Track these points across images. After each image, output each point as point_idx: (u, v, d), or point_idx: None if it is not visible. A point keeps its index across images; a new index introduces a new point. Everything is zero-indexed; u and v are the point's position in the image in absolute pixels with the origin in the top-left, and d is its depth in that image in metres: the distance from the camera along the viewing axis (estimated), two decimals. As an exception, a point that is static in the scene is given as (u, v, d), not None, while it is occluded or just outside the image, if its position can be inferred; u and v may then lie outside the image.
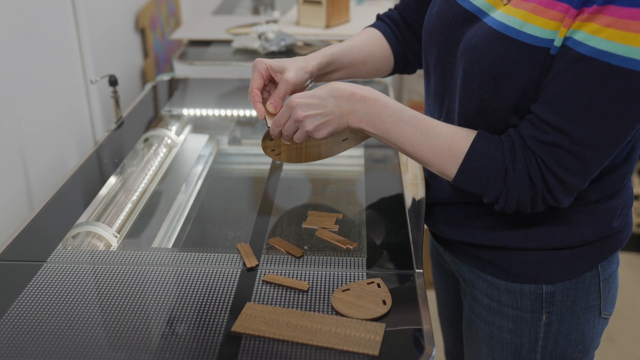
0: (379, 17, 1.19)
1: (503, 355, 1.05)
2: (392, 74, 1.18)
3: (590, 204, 0.95)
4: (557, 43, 0.81)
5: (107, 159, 1.33)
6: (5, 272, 0.94)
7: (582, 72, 0.80)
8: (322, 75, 1.07)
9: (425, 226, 1.10)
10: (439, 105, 1.02)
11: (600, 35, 0.78)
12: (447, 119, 1.00)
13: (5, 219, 1.28)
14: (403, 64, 1.16)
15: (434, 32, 1.00)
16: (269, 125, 0.97)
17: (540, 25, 0.82)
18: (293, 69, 1.00)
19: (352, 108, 0.91)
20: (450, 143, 0.89)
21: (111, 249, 1.05)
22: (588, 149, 0.83)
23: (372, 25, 1.17)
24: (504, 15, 0.87)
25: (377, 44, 1.13)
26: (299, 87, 1.01)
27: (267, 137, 1.02)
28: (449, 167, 0.90)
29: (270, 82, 1.03)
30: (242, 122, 1.57)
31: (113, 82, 1.49)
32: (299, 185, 1.26)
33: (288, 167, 1.31)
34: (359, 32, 1.16)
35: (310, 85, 1.05)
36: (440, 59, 0.99)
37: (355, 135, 1.05)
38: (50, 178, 1.48)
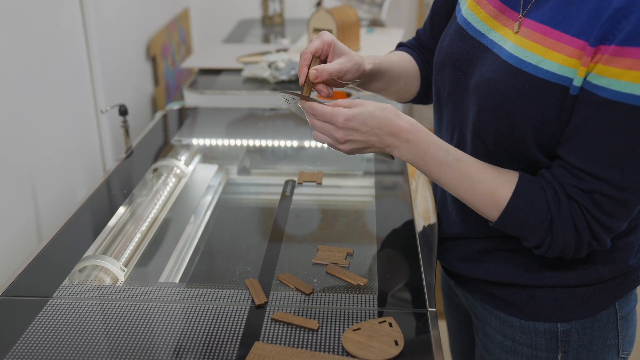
0: (402, 44, 1.18)
1: None
2: (413, 100, 1.17)
3: None
4: (577, 83, 0.80)
5: (116, 189, 1.32)
6: (11, 308, 0.93)
7: (610, 118, 0.79)
8: (364, 83, 1.06)
9: (437, 260, 1.08)
10: (450, 139, 1.01)
11: (623, 78, 0.76)
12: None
13: (15, 249, 1.27)
14: (426, 90, 1.15)
15: (446, 65, 0.99)
16: (304, 92, 0.92)
17: (558, 62, 0.81)
18: (352, 60, 0.97)
19: (394, 144, 0.88)
20: (493, 189, 0.87)
21: (118, 283, 1.03)
22: (628, 192, 0.82)
23: (399, 50, 1.17)
24: (517, 48, 0.85)
25: (409, 65, 1.12)
26: (345, 79, 0.98)
27: (291, 94, 0.94)
28: (491, 212, 0.88)
29: (320, 62, 0.98)
30: (252, 152, 1.56)
31: (123, 111, 1.49)
32: (309, 216, 1.24)
33: (298, 198, 1.29)
34: (392, 52, 1.15)
35: (354, 96, 1.01)
36: (452, 91, 0.98)
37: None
38: (60, 208, 1.48)
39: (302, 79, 0.94)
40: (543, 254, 0.89)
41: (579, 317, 0.96)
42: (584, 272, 0.94)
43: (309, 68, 0.94)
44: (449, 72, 0.98)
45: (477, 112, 0.90)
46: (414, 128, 0.88)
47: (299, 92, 0.92)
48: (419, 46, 1.16)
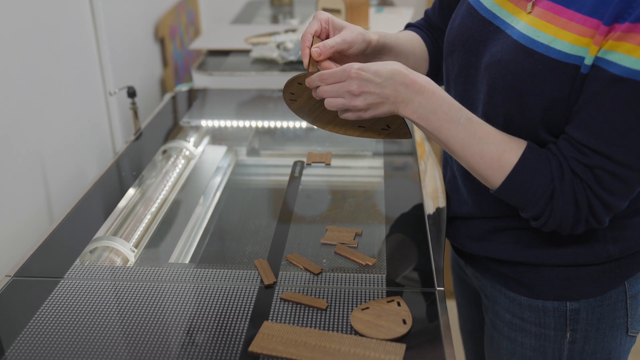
0: (411, 24, 1.17)
1: None
2: None
3: (617, 220, 0.93)
4: (588, 61, 0.79)
5: (126, 171, 1.33)
6: (23, 288, 0.94)
7: (618, 94, 0.78)
8: (371, 56, 1.02)
9: (446, 239, 1.08)
10: None
11: (635, 55, 0.75)
12: None
13: (27, 231, 1.28)
14: (435, 71, 1.14)
15: (456, 45, 0.98)
16: (309, 70, 0.90)
17: (569, 41, 0.80)
18: (354, 31, 0.95)
19: (408, 97, 0.85)
20: (501, 153, 0.86)
21: (128, 264, 1.04)
22: (630, 170, 0.81)
23: (408, 30, 1.15)
24: (529, 28, 0.84)
25: (418, 44, 1.11)
26: (351, 51, 0.96)
27: (296, 80, 0.93)
28: (495, 176, 0.87)
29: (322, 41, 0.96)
30: (261, 133, 1.56)
31: (132, 93, 1.49)
32: (318, 196, 1.24)
33: (306, 179, 1.30)
34: (399, 31, 1.13)
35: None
36: (463, 71, 0.97)
37: (393, 130, 0.97)
38: (71, 190, 1.48)
39: (305, 61, 0.92)
40: (540, 227, 0.88)
41: (588, 296, 0.96)
42: (594, 251, 0.94)
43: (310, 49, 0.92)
44: (459, 52, 0.97)
45: (487, 93, 0.90)
46: (427, 81, 0.86)
47: (304, 72, 0.91)
48: (427, 27, 1.15)
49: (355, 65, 0.85)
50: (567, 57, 0.81)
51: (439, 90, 0.86)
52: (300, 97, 0.96)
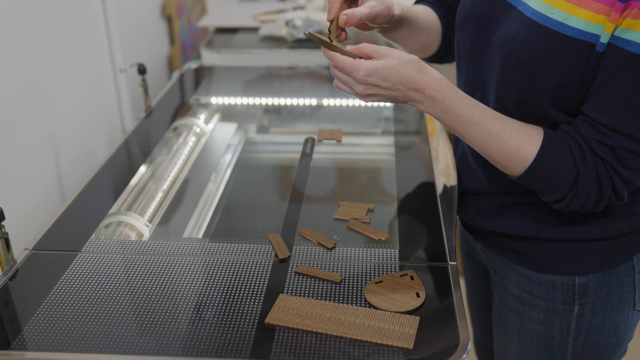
0: (420, 0, 1.17)
1: (533, 347, 1.04)
2: (431, 58, 1.15)
3: (628, 196, 0.93)
4: (604, 39, 0.79)
5: (137, 148, 1.34)
6: (42, 261, 0.95)
7: (637, 72, 0.78)
8: (391, 27, 1.02)
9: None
10: (471, 93, 1.00)
11: None
12: None
13: (39, 209, 1.30)
14: (446, 47, 1.13)
15: (468, 21, 0.98)
16: (331, 34, 0.90)
17: (584, 19, 0.80)
18: (383, 4, 0.94)
19: (418, 99, 0.86)
20: (519, 145, 0.86)
21: (143, 238, 1.05)
22: None
23: (421, 3, 1.14)
24: (543, 5, 0.84)
25: (431, 17, 1.10)
26: (375, 22, 0.96)
27: (314, 39, 0.90)
28: (516, 168, 0.88)
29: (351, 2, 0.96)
30: (270, 110, 1.57)
31: (142, 70, 1.49)
32: (329, 173, 1.25)
33: (318, 156, 1.30)
34: (413, 4, 1.13)
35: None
36: (475, 49, 0.97)
37: None
38: (81, 167, 1.50)
39: (331, 15, 0.90)
40: (563, 208, 0.89)
41: (597, 271, 0.97)
42: (604, 226, 0.95)
43: (339, 9, 0.91)
44: (471, 29, 0.97)
45: (500, 70, 0.90)
46: (438, 84, 0.85)
47: (324, 38, 0.89)
48: (439, 3, 1.14)
49: (363, 70, 0.83)
50: (582, 34, 0.81)
51: (449, 94, 0.85)
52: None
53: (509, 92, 0.90)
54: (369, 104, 1.48)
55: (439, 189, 1.12)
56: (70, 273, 0.91)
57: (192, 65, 1.81)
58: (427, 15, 1.10)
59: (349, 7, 0.94)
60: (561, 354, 1.02)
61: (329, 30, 0.91)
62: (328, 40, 0.88)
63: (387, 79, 0.84)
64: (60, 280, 0.90)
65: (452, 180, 1.10)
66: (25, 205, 1.25)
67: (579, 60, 0.82)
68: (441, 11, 1.13)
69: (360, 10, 0.92)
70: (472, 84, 1.00)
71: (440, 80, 0.86)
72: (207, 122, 1.47)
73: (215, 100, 1.59)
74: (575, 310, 0.99)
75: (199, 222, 1.14)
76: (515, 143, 0.86)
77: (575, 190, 0.86)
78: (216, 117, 1.52)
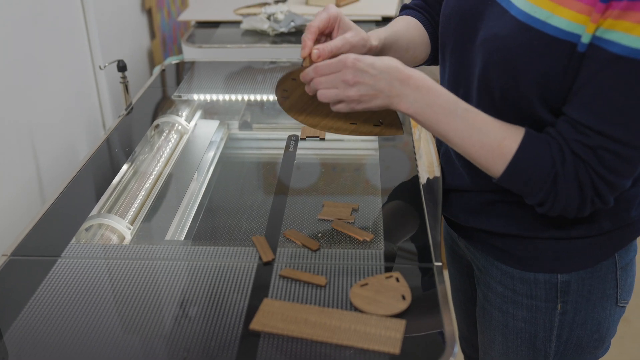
0: (407, 6, 1.15)
1: (517, 344, 1.05)
2: (426, 63, 1.15)
3: None
4: (585, 40, 0.79)
5: (118, 147, 1.32)
6: (21, 267, 0.94)
7: (618, 73, 0.77)
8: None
9: (441, 212, 1.09)
10: (454, 93, 1.00)
11: (634, 33, 0.75)
12: None
13: (18, 208, 1.27)
14: (436, 52, 1.12)
15: (452, 18, 0.97)
16: (303, 65, 0.92)
17: (567, 18, 0.80)
18: (357, 36, 0.95)
19: (403, 92, 0.86)
20: (500, 141, 0.86)
21: (125, 242, 1.04)
22: (633, 149, 0.81)
23: (404, 14, 1.14)
24: (526, 3, 0.84)
25: (416, 31, 1.09)
26: (350, 53, 0.95)
27: (290, 76, 0.95)
28: (496, 165, 0.87)
29: (325, 36, 0.97)
30: (253, 106, 1.55)
31: (122, 67, 1.47)
32: (313, 171, 1.24)
33: (301, 152, 1.29)
34: (396, 19, 1.12)
35: None
36: (457, 46, 0.97)
37: (386, 125, 0.99)
38: (61, 165, 1.47)
39: (305, 52, 0.92)
40: (546, 212, 0.88)
41: (579, 268, 0.97)
42: (586, 225, 0.95)
43: (314, 42, 0.93)
44: (455, 25, 0.96)
45: (482, 67, 0.89)
46: (422, 76, 0.87)
47: (298, 67, 0.92)
48: (424, 6, 1.13)
49: (352, 56, 0.86)
50: (563, 34, 0.80)
51: (434, 85, 0.87)
52: (292, 94, 0.97)
53: (492, 89, 0.89)
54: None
55: (424, 186, 1.12)
56: (50, 280, 0.90)
57: (174, 60, 1.79)
58: (411, 30, 1.09)
59: (325, 41, 0.95)
60: (545, 351, 1.02)
61: (302, 66, 0.92)
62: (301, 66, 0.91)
63: (374, 65, 0.86)
64: (40, 288, 0.88)
65: (437, 178, 1.10)
66: (3, 205, 1.23)
67: (561, 59, 0.81)
68: (427, 16, 1.11)
69: (333, 44, 0.93)
70: (455, 82, 0.99)
71: (423, 74, 0.88)
72: (189, 119, 1.45)
73: (197, 96, 1.57)
74: (558, 307, 0.99)
75: (181, 223, 1.13)
76: (496, 138, 0.86)
77: (554, 192, 0.86)
78: (198, 114, 1.50)
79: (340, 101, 0.89)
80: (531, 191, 0.87)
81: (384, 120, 0.98)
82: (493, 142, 0.86)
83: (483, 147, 0.87)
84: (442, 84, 1.06)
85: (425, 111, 0.87)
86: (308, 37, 0.93)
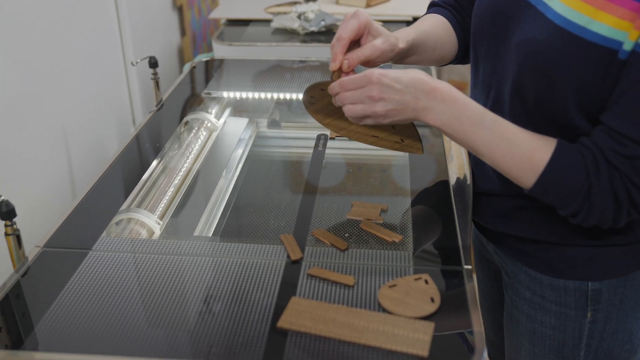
0: (435, 3, 1.14)
1: (545, 352, 1.03)
2: (452, 62, 1.14)
3: None
4: (628, 47, 0.77)
5: (148, 143, 1.33)
6: (53, 259, 0.95)
7: None
8: (398, 60, 1.03)
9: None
10: (485, 96, 0.99)
11: None
12: (494, 109, 0.96)
13: (50, 203, 1.29)
14: (464, 51, 1.12)
15: (485, 20, 0.96)
16: (334, 78, 0.92)
17: (608, 24, 0.78)
18: (386, 42, 0.95)
19: (430, 105, 0.86)
20: (531, 152, 0.84)
21: (154, 236, 1.04)
22: None
23: (432, 12, 1.13)
24: (565, 8, 0.82)
25: (444, 30, 1.08)
26: (379, 59, 0.97)
27: (318, 87, 0.96)
28: (527, 177, 0.85)
29: (354, 42, 0.97)
30: (281, 104, 1.55)
31: (153, 63, 1.48)
32: (341, 170, 1.24)
33: (330, 152, 1.29)
34: (424, 17, 1.11)
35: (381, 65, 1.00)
36: (491, 48, 0.95)
37: (406, 144, 1.00)
38: (92, 161, 1.49)
39: (334, 66, 0.93)
40: (580, 223, 0.86)
41: (611, 277, 0.95)
42: (619, 232, 0.93)
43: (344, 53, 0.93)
44: (489, 27, 0.95)
45: (517, 72, 0.88)
46: (449, 87, 0.86)
47: (327, 80, 0.93)
48: (454, 4, 1.12)
49: (377, 72, 0.86)
50: (604, 40, 0.78)
51: (461, 97, 0.86)
52: (319, 102, 0.99)
53: (527, 94, 0.88)
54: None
55: (454, 189, 1.11)
56: (82, 272, 0.91)
57: (204, 57, 1.80)
58: (439, 29, 1.08)
59: (352, 49, 0.95)
60: (574, 360, 1.01)
61: (331, 78, 0.93)
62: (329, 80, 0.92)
63: (399, 80, 0.86)
64: (72, 280, 0.89)
65: (467, 181, 1.09)
66: (36, 199, 1.25)
67: (599, 66, 0.79)
68: (455, 15, 1.10)
69: (362, 52, 0.93)
70: (487, 84, 0.98)
71: (450, 85, 0.87)
72: (218, 116, 1.46)
73: (226, 93, 1.58)
74: (588, 316, 0.97)
75: (209, 220, 1.13)
76: (527, 149, 0.84)
77: (589, 204, 0.83)
78: (227, 111, 1.50)
79: (366, 116, 0.89)
80: (564, 203, 0.85)
81: (405, 140, 0.99)
82: (523, 153, 0.84)
83: (513, 158, 0.85)
84: (473, 86, 1.05)
85: (453, 123, 0.86)
86: (339, 50, 0.93)
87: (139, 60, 1.50)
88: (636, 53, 0.76)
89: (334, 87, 0.91)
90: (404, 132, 0.99)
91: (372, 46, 0.93)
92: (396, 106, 0.87)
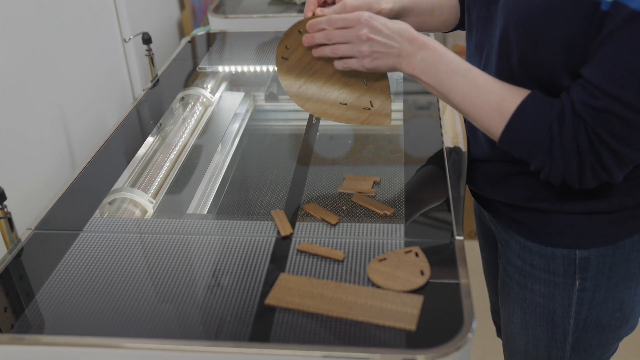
0: None
1: (535, 319, 1.02)
2: (458, 27, 1.12)
3: (631, 171, 0.89)
4: None
5: (143, 119, 1.32)
6: (44, 241, 0.95)
7: (637, 31, 0.73)
8: None
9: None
10: (478, 61, 0.97)
11: None
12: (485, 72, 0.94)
13: (51, 184, 1.29)
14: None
15: None
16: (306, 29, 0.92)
17: None
18: (359, 0, 0.94)
19: (411, 51, 0.88)
20: (500, 101, 0.84)
21: (147, 215, 1.04)
22: None
23: None
24: None
25: None
26: None
27: (296, 28, 0.95)
28: (496, 126, 0.85)
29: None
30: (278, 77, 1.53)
31: (147, 40, 1.46)
32: (336, 143, 1.22)
33: (325, 124, 1.27)
34: None
35: None
36: (482, 12, 0.93)
37: (375, 111, 0.98)
38: (92, 139, 1.48)
39: (308, 11, 0.94)
40: (547, 179, 0.85)
41: (599, 245, 0.94)
42: (606, 200, 0.90)
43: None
44: None
45: (502, 29, 0.86)
46: (429, 38, 0.90)
47: (307, 18, 0.91)
48: None
49: (366, 14, 0.88)
50: None
51: (440, 47, 0.89)
52: (293, 54, 0.96)
53: (509, 54, 0.86)
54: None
55: (448, 159, 1.09)
56: (72, 254, 0.91)
57: (200, 31, 1.78)
58: None
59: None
60: (564, 327, 1.00)
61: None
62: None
63: (387, 25, 0.88)
64: (61, 262, 0.89)
65: (462, 150, 1.07)
66: (37, 179, 1.25)
67: (583, 21, 0.77)
68: None
69: (332, 8, 0.93)
70: (480, 48, 0.96)
71: (431, 38, 0.90)
72: (214, 91, 1.45)
73: (222, 68, 1.56)
74: (577, 284, 0.96)
75: (204, 197, 1.13)
76: (497, 98, 0.84)
77: (551, 156, 0.81)
78: (223, 86, 1.49)
79: (352, 56, 0.90)
80: (530, 155, 0.84)
81: (374, 103, 0.98)
82: (493, 101, 0.84)
83: (483, 106, 0.85)
84: (468, 51, 1.03)
85: (430, 70, 0.87)
86: (311, 1, 0.95)
87: (131, 37, 1.49)
88: (617, 3, 0.73)
89: (320, 22, 0.91)
90: (375, 90, 0.97)
91: (342, 4, 0.93)
92: (382, 49, 0.89)
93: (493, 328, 1.35)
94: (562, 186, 0.91)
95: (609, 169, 0.81)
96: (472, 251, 1.45)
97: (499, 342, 1.21)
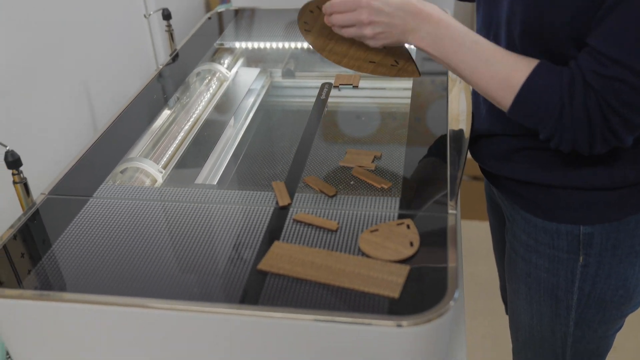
0: None
1: (540, 294, 1.04)
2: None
3: (636, 144, 0.89)
4: None
5: (159, 93, 1.36)
6: (56, 206, 1.00)
7: None
8: None
9: (473, 158, 1.07)
10: (486, 32, 0.98)
11: None
12: None
13: (75, 152, 1.35)
14: None
15: None
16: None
17: None
18: None
19: (416, 26, 0.88)
20: (509, 72, 0.84)
21: (156, 185, 1.08)
22: None
23: None
24: None
25: None
26: None
27: (307, 8, 1.00)
28: (506, 97, 0.85)
29: None
30: (297, 54, 1.55)
31: (167, 15, 1.50)
32: (342, 119, 1.24)
33: (333, 100, 1.29)
34: None
35: None
36: None
37: (401, 66, 1.01)
38: (115, 111, 1.53)
39: None
40: (557, 147, 0.85)
41: (603, 221, 0.94)
42: (610, 176, 0.91)
43: None
44: None
45: (509, 1, 0.87)
46: (434, 9, 0.89)
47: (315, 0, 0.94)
48: None
49: None
50: None
51: (446, 17, 0.88)
52: (313, 27, 0.99)
53: (515, 25, 0.86)
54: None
55: (450, 134, 1.10)
56: (80, 219, 0.96)
57: (221, 8, 1.81)
58: None
59: None
60: (567, 303, 1.01)
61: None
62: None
63: (388, 3, 0.88)
64: (70, 226, 0.94)
65: (463, 125, 1.08)
66: (61, 152, 1.30)
67: None
68: None
69: None
70: (488, 22, 0.97)
71: (436, 7, 0.89)
72: (230, 67, 1.48)
73: (240, 44, 1.59)
74: (580, 260, 0.97)
75: (213, 169, 1.16)
76: (506, 69, 0.84)
77: (561, 125, 0.82)
78: (240, 62, 1.52)
79: (359, 37, 0.92)
80: (540, 124, 0.84)
81: (399, 61, 1.01)
82: (502, 72, 0.84)
83: (492, 78, 0.85)
84: (477, 28, 1.04)
85: (437, 43, 0.88)
86: None
87: (151, 13, 1.53)
88: None
89: (325, 7, 0.94)
90: (395, 54, 1.00)
91: None
92: (384, 29, 0.89)
93: (502, 306, 1.36)
94: (567, 161, 0.92)
95: (619, 135, 0.81)
96: (485, 233, 1.46)
97: (507, 320, 1.22)
